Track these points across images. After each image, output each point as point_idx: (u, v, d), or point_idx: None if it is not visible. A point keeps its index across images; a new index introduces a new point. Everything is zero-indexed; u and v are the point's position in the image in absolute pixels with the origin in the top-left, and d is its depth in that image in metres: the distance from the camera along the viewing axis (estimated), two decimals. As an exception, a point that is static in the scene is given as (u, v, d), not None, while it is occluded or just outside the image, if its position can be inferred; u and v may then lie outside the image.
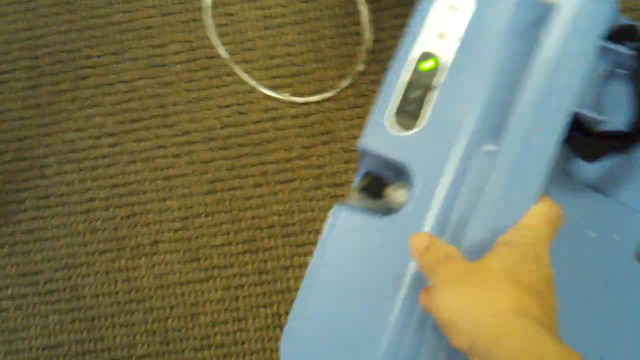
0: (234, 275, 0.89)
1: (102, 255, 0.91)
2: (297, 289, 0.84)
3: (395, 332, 0.43)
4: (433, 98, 0.46)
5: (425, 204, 0.44)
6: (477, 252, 0.39)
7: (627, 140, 0.46)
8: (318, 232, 0.89)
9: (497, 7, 0.46)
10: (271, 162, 0.92)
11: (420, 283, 0.43)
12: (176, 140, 0.93)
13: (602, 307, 0.48)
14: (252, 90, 0.94)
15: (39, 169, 0.94)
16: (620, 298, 0.48)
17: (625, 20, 0.48)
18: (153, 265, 0.90)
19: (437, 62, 0.47)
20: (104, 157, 0.94)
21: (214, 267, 0.90)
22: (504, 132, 0.43)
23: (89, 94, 0.95)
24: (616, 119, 0.48)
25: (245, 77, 0.94)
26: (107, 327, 0.89)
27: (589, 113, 0.44)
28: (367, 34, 0.94)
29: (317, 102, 0.93)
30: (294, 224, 0.90)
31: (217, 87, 0.94)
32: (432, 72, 0.46)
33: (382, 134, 0.46)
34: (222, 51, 0.94)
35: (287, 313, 0.82)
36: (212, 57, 0.95)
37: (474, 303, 0.35)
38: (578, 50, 0.43)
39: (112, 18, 0.97)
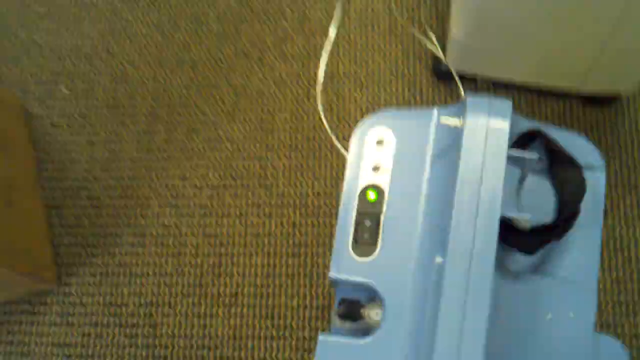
0: (304, 338, 1.03)
1: (185, 299, 1.07)
2: None
3: None
4: (381, 225, 0.58)
5: (397, 321, 0.55)
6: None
7: (558, 230, 0.57)
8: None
9: (416, 137, 0.60)
10: (356, 236, 1.07)
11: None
12: (271, 202, 1.10)
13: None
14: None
15: (140, 208, 1.13)
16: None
17: (529, 124, 0.60)
18: (230, 316, 1.06)
19: (376, 194, 0.59)
20: (202, 207, 1.11)
21: (286, 327, 1.04)
22: (447, 245, 0.53)
23: (199, 147, 1.14)
24: (541, 212, 0.59)
25: (344, 153, 1.11)
26: (178, 367, 1.04)
27: (515, 215, 0.55)
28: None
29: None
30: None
31: (316, 158, 1.12)
32: (377, 201, 0.59)
33: (347, 263, 0.58)
34: (326, 125, 1.12)
35: None
36: (317, 130, 1.13)
37: None
38: (494, 163, 0.54)
39: (230, 81, 1.17)
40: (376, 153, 0.61)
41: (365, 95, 1.11)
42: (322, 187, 1.08)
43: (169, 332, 1.04)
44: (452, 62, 1.05)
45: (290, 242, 1.06)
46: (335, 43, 1.14)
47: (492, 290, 0.51)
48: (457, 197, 0.54)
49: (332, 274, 0.58)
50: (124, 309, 1.06)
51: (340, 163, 1.08)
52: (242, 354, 1.02)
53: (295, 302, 1.03)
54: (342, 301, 0.59)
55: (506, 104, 0.57)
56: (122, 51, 1.19)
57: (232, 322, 1.03)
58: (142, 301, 1.06)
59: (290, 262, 1.05)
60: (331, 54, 1.14)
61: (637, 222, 1.02)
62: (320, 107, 1.11)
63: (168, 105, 1.15)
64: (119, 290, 1.07)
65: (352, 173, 0.61)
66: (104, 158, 1.13)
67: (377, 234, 0.59)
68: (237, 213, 1.08)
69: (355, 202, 0.60)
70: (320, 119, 1.11)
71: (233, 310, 1.04)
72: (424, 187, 0.59)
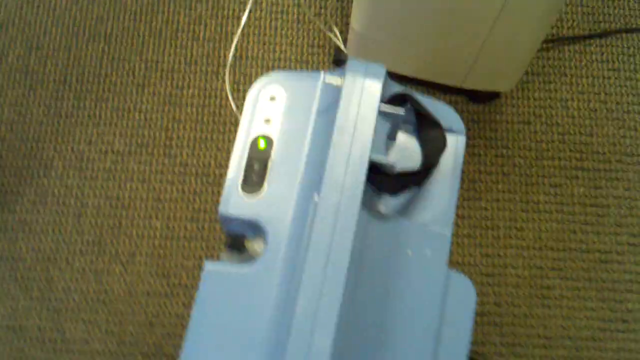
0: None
1: (82, 256, 1.18)
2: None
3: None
4: (268, 169, 0.68)
5: (277, 250, 0.65)
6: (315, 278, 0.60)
7: (420, 176, 0.71)
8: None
9: (304, 95, 0.72)
10: (253, 206, 1.21)
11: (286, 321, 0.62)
12: (174, 170, 1.23)
13: (426, 317, 0.67)
14: (251, 141, 1.25)
15: (44, 168, 1.23)
16: (437, 305, 0.68)
17: (400, 88, 0.74)
18: (127, 274, 1.17)
19: (266, 142, 0.69)
20: (105, 170, 1.23)
21: (181, 286, 1.16)
22: (322, 184, 0.64)
23: (107, 115, 1.26)
24: (409, 163, 0.72)
25: (247, 128, 1.25)
26: (71, 321, 1.14)
27: (382, 160, 0.69)
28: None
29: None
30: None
31: (221, 132, 1.26)
32: (267, 149, 0.69)
33: (236, 201, 0.67)
34: (232, 103, 1.27)
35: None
36: (223, 107, 1.27)
37: None
38: (367, 115, 0.67)
39: (142, 55, 1.31)
40: (268, 107, 0.72)
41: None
42: (224, 159, 1.22)
43: (65, 286, 1.14)
44: (351, 52, 1.22)
45: (190, 207, 1.19)
46: (246, 28, 1.30)
47: (358, 221, 0.62)
48: (333, 141, 0.66)
49: (222, 210, 0.67)
50: (20, 263, 1.15)
51: (243, 138, 1.23)
52: (136, 309, 1.13)
53: (190, 263, 1.15)
54: (228, 234, 0.70)
55: (380, 68, 0.72)
56: (38, 20, 1.30)
57: (127, 279, 1.15)
58: (40, 257, 1.16)
59: (188, 226, 1.18)
60: (241, 38, 1.29)
61: (506, 205, 1.21)
62: (227, 86, 1.26)
63: (79, 74, 1.27)
64: (17, 246, 1.16)
65: (245, 124, 0.72)
66: (10, 120, 1.23)
67: (264, 175, 0.69)
68: (140, 178, 1.20)
69: (246, 149, 0.70)
70: (227, 96, 1.25)
71: (129, 268, 1.15)
72: (308, 137, 0.71)
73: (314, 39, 1.29)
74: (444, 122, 0.74)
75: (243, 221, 0.67)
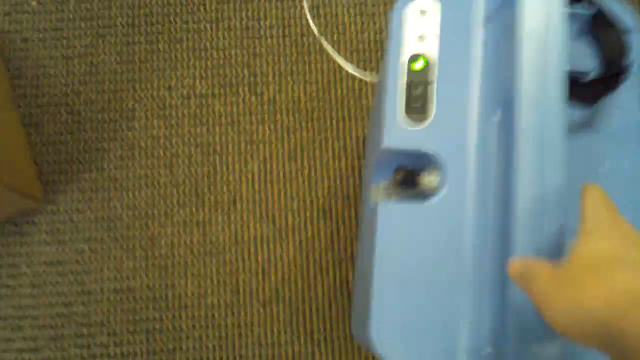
0: (307, 239, 1.10)
1: (181, 209, 1.12)
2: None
3: (475, 308, 0.58)
4: (433, 92, 0.62)
5: (460, 181, 0.59)
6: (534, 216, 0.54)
7: (613, 81, 0.62)
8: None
9: (462, 2, 0.63)
10: (351, 138, 1.14)
11: (482, 252, 0.59)
12: (263, 109, 1.16)
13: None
14: (340, 68, 1.17)
15: (127, 121, 1.16)
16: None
17: None
18: (230, 222, 1.12)
19: (426, 61, 0.62)
20: (191, 116, 1.16)
21: (289, 228, 1.11)
22: (513, 102, 0.56)
23: (184, 56, 1.18)
24: (588, 69, 0.65)
25: (335, 56, 1.17)
26: (181, 276, 1.10)
27: (579, 69, 0.61)
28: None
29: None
30: (370, 196, 1.11)
31: (307, 63, 1.17)
32: (425, 70, 0.62)
33: (402, 132, 0.61)
34: (315, 30, 1.18)
35: (353, 279, 1.03)
36: (305, 35, 1.19)
37: (581, 302, 0.40)
38: (554, 16, 0.57)
39: (212, -11, 1.21)
40: (420, 23, 0.64)
41: (354, -3, 1.17)
42: (314, 91, 1.14)
43: (168, 242, 1.09)
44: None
45: (286, 146, 1.12)
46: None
47: (565, 141, 0.55)
48: (521, 52, 0.56)
49: (386, 144, 0.61)
50: (117, 223, 1.10)
51: (331, 68, 1.14)
52: (246, 257, 1.08)
53: (295, 205, 1.10)
54: (398, 169, 0.63)
55: None
56: (96, -41, 1.21)
57: (232, 227, 1.09)
58: (137, 214, 1.11)
59: (287, 166, 1.11)
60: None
61: None
62: (307, 11, 1.17)
63: (147, 15, 1.18)
64: (111, 205, 1.11)
65: (395, 44, 0.63)
66: (83, 72, 1.16)
67: (428, 100, 0.62)
68: (229, 121, 1.13)
69: (403, 73, 0.63)
70: (308, 23, 1.16)
71: (232, 216, 1.10)
72: (477, 50, 0.62)
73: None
74: (622, 21, 0.64)
75: (410, 153, 0.62)
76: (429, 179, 0.61)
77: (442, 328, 0.57)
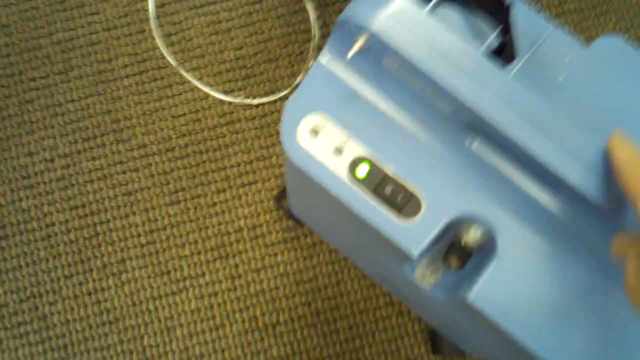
0: (207, 284, 1.05)
1: (68, 280, 1.05)
2: (271, 290, 1.00)
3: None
4: (399, 175, 0.58)
5: (499, 210, 0.57)
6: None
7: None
8: (286, 230, 1.05)
9: (342, 99, 0.59)
10: (232, 166, 1.08)
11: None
12: (133, 154, 1.09)
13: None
14: (206, 96, 1.10)
15: (-9, 199, 1.08)
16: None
17: None
18: (123, 284, 1.05)
19: (367, 162, 0.57)
20: (59, 179, 1.08)
21: (185, 278, 1.05)
22: (476, 117, 0.54)
23: (37, 116, 1.10)
24: None
25: (197, 83, 1.10)
26: (82, 353, 1.04)
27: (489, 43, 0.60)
28: (315, 30, 1.12)
29: (272, 102, 1.10)
30: (261, 225, 1.06)
31: (170, 96, 1.10)
32: (374, 168, 0.57)
33: (416, 234, 0.57)
34: (171, 60, 1.11)
35: (263, 315, 0.98)
36: (162, 67, 1.11)
37: None
38: (421, 26, 0.55)
39: (53, 37, 1.13)
40: (321, 141, 0.59)
41: (202, 17, 1.11)
42: (183, 124, 1.08)
43: (62, 319, 1.03)
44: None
45: (166, 190, 1.06)
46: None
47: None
48: (435, 74, 0.54)
49: (413, 254, 0.57)
50: (4, 310, 1.03)
51: (196, 96, 1.08)
52: (147, 318, 1.02)
53: (187, 251, 1.04)
54: (448, 254, 0.59)
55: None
56: None
57: (126, 289, 1.03)
58: (23, 296, 1.03)
59: (170, 211, 1.05)
60: (155, -18, 1.11)
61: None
62: (159, 42, 1.10)
63: (-11, 80, 1.09)
64: (-8, 293, 1.03)
65: (321, 175, 0.58)
66: None
67: (403, 187, 0.58)
68: (100, 175, 1.06)
69: (354, 191, 0.58)
70: (162, 54, 1.09)
71: (124, 277, 1.03)
72: (389, 108, 0.59)
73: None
74: None
75: (436, 239, 0.58)
76: (472, 236, 0.58)
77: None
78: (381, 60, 0.57)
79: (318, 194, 0.62)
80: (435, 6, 0.60)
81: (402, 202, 0.57)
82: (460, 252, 0.58)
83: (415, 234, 0.57)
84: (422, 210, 0.57)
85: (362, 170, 0.58)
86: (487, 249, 0.58)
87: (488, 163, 0.58)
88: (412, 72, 0.55)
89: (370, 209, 0.57)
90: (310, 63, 1.07)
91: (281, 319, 1.01)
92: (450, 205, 0.57)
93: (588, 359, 0.55)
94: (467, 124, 0.56)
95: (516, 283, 0.56)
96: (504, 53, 0.59)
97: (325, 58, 0.59)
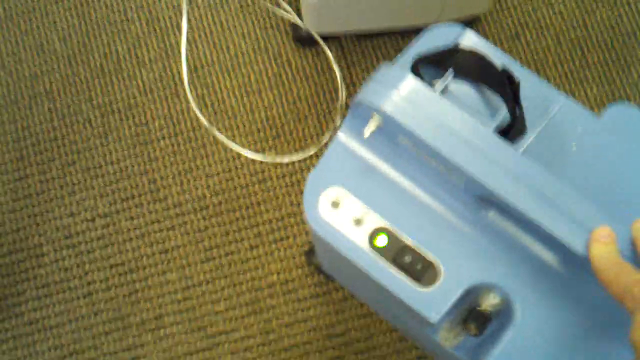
0: (241, 339, 1.09)
1: (108, 336, 1.11)
2: (303, 344, 1.04)
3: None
4: (418, 246, 0.61)
5: (517, 278, 0.60)
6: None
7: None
8: (317, 285, 1.10)
9: (358, 172, 0.64)
10: (264, 223, 1.13)
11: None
12: (169, 214, 1.15)
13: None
14: (237, 155, 1.16)
15: (35, 258, 1.14)
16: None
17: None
18: (160, 339, 1.10)
19: (385, 233, 0.62)
20: (99, 238, 1.15)
21: (220, 333, 1.10)
22: (487, 189, 0.57)
23: (78, 178, 1.17)
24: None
25: (230, 143, 1.16)
26: (121, 407, 1.08)
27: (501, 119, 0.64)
28: (341, 89, 1.18)
29: (301, 160, 1.15)
30: (293, 280, 1.10)
31: (204, 156, 1.16)
32: (393, 239, 0.61)
33: (433, 302, 0.60)
34: (204, 121, 1.17)
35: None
36: (196, 129, 1.18)
37: None
38: (439, 106, 0.60)
39: (93, 102, 1.20)
40: (341, 213, 0.63)
41: (234, 79, 1.17)
42: (217, 183, 1.13)
43: (102, 374, 1.08)
44: (311, 25, 1.12)
45: (201, 247, 1.11)
46: (190, 35, 1.19)
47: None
48: (442, 149, 0.57)
49: (433, 320, 0.60)
50: (47, 366, 1.09)
51: (229, 156, 1.14)
52: (183, 373, 1.07)
53: (222, 306, 1.09)
54: (467, 320, 0.62)
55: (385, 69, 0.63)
56: (-32, 101, 1.19)
57: (164, 344, 1.08)
58: (66, 352, 1.09)
59: (205, 267, 1.10)
60: (189, 47, 1.18)
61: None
62: (193, 104, 1.16)
63: (34, 144, 1.17)
64: (37, 349, 1.09)
65: (342, 244, 0.62)
66: (-19, 218, 1.14)
67: (421, 257, 0.61)
68: (138, 234, 1.12)
69: (374, 261, 0.62)
70: (196, 116, 1.16)
71: (161, 332, 1.08)
72: (411, 187, 0.63)
73: (265, 21, 1.19)
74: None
75: (456, 302, 0.61)
76: (491, 303, 0.61)
77: None
78: (396, 138, 0.61)
79: (341, 259, 0.66)
80: (446, 84, 0.65)
81: (421, 270, 0.61)
82: (479, 318, 0.61)
83: (434, 301, 0.60)
84: (440, 278, 0.61)
85: (382, 240, 0.62)
86: (505, 314, 0.62)
87: (502, 232, 0.62)
88: (426, 149, 0.59)
89: (390, 277, 0.61)
90: (338, 121, 1.13)
91: (314, 373, 1.05)
92: (468, 273, 0.61)
93: None
94: (481, 197, 0.60)
95: (534, 348, 0.59)
96: (515, 128, 0.62)
97: (343, 134, 0.65)
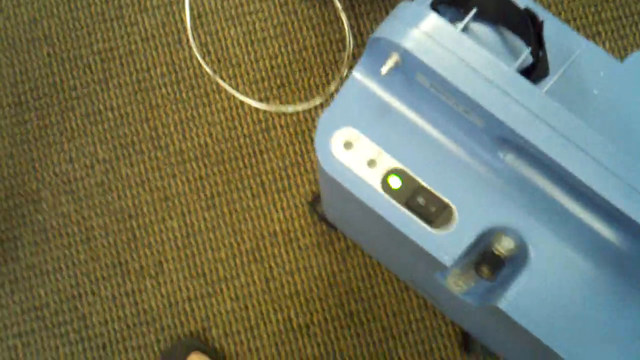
0: (242, 286, 1.15)
1: (107, 282, 1.16)
2: (305, 292, 1.09)
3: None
4: (431, 188, 0.63)
5: (530, 220, 0.62)
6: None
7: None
8: (319, 234, 1.15)
9: (373, 111, 0.65)
10: (267, 173, 1.19)
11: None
12: (171, 161, 1.20)
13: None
14: (241, 104, 1.21)
15: (33, 203, 1.20)
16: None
17: None
18: (160, 285, 1.16)
19: (399, 175, 0.63)
20: (98, 184, 1.20)
21: (220, 280, 1.15)
22: (509, 129, 0.58)
23: (78, 124, 1.22)
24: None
25: (233, 92, 1.21)
26: (120, 351, 1.14)
27: (524, 59, 0.64)
28: (349, 39, 1.23)
29: (306, 110, 1.20)
30: (295, 229, 1.16)
31: (206, 105, 1.22)
32: (407, 179, 0.62)
33: (448, 244, 0.62)
34: (207, 69, 1.22)
35: (297, 316, 1.08)
36: (199, 77, 1.23)
37: None
38: (459, 42, 0.60)
39: (93, 47, 1.25)
40: (356, 153, 0.65)
41: (238, 28, 1.22)
42: (219, 132, 1.18)
43: (100, 319, 1.13)
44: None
45: (202, 195, 1.16)
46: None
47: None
48: (466, 89, 0.59)
49: (447, 263, 0.62)
50: (45, 310, 1.14)
51: (232, 105, 1.19)
52: (183, 319, 1.12)
53: (222, 254, 1.14)
54: (480, 264, 0.63)
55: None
56: (-34, 42, 1.24)
57: (163, 290, 1.13)
58: (63, 297, 1.14)
59: (207, 215, 1.16)
60: (193, -6, 1.23)
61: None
62: (196, 52, 1.21)
63: (33, 88, 1.21)
64: (34, 293, 1.14)
65: (353, 186, 0.64)
66: (-22, 161, 1.19)
67: (436, 198, 0.63)
68: (139, 181, 1.17)
69: (387, 202, 0.63)
70: (199, 63, 1.21)
71: (161, 279, 1.14)
72: (425, 125, 0.64)
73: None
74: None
75: (471, 247, 0.63)
76: (505, 247, 0.63)
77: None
78: (414, 76, 0.63)
79: (351, 203, 0.68)
80: (467, 23, 0.66)
81: (435, 212, 0.62)
82: (493, 261, 0.63)
83: (448, 244, 0.62)
84: (455, 221, 0.63)
85: (395, 182, 0.64)
86: (519, 259, 0.64)
87: (521, 175, 0.63)
88: (445, 87, 0.60)
89: (404, 219, 0.63)
90: (344, 72, 1.18)
91: (315, 320, 1.11)
92: (483, 216, 0.63)
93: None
94: (500, 138, 0.62)
95: (547, 293, 0.61)
96: (537, 69, 0.64)
97: (359, 73, 0.66)
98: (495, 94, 0.57)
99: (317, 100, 1.18)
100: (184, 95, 1.20)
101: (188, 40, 1.21)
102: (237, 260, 1.14)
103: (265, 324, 1.11)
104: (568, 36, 0.66)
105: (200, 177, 1.17)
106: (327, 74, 1.20)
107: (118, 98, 1.21)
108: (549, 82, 0.64)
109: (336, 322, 1.11)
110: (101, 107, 1.21)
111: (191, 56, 1.21)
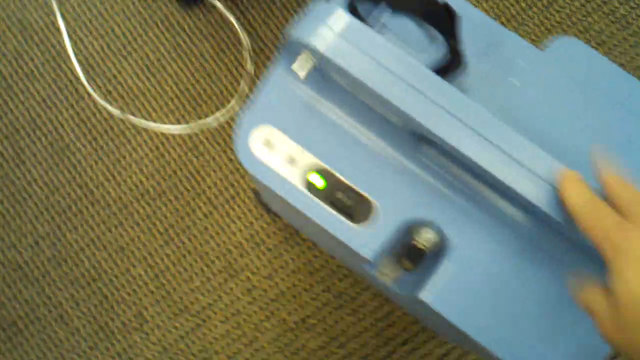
0: (227, 305, 1.18)
1: (95, 351, 1.17)
2: (289, 289, 1.13)
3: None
4: (350, 184, 0.65)
5: (452, 213, 0.64)
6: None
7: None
8: (281, 229, 1.18)
9: (292, 109, 0.65)
10: (209, 188, 1.21)
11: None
12: (112, 211, 1.21)
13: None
14: (160, 132, 1.23)
15: (-9, 301, 1.19)
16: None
17: None
18: (147, 335, 1.17)
19: (319, 174, 0.64)
20: (50, 259, 1.19)
21: (204, 308, 1.18)
22: (422, 127, 0.58)
23: (7, 207, 1.21)
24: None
25: (147, 124, 1.23)
26: None
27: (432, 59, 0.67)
28: (243, 36, 1.25)
29: (225, 116, 1.23)
30: (257, 232, 1.19)
31: (126, 143, 1.22)
32: (328, 178, 0.64)
33: (365, 238, 0.64)
34: (112, 110, 1.23)
35: (290, 314, 1.11)
36: (108, 120, 1.23)
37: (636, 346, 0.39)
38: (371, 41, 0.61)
39: (-6, 128, 1.24)
40: (275, 152, 0.66)
41: (129, 58, 1.23)
42: (149, 166, 1.20)
43: None
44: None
45: (155, 233, 1.19)
46: (71, 31, 1.24)
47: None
48: (379, 87, 0.60)
49: (368, 257, 0.64)
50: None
51: (151, 134, 1.20)
52: (182, 358, 1.14)
53: (197, 282, 1.17)
54: (402, 255, 0.66)
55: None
56: None
57: (153, 338, 1.16)
58: None
59: (167, 251, 1.18)
60: (73, 43, 1.23)
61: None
62: (96, 97, 1.22)
63: None
64: (26, 388, 1.15)
65: (275, 183, 0.66)
66: None
67: (356, 196, 0.65)
68: (88, 242, 1.18)
69: (309, 201, 0.65)
70: (104, 108, 1.21)
71: (146, 328, 1.16)
72: (344, 121, 0.66)
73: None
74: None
75: (393, 238, 0.66)
76: (424, 238, 0.66)
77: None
78: (330, 75, 0.65)
79: (279, 199, 0.70)
80: (380, 19, 0.67)
81: (355, 207, 0.65)
82: (413, 254, 0.66)
83: (369, 239, 0.65)
84: (374, 215, 0.65)
85: (317, 179, 0.66)
86: (440, 250, 0.67)
87: (439, 170, 0.66)
88: (361, 87, 0.62)
89: (326, 215, 0.66)
90: (251, 68, 1.20)
91: (308, 312, 1.15)
92: (402, 210, 0.65)
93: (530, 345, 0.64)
94: (416, 133, 0.64)
95: (467, 284, 0.64)
96: (453, 63, 0.66)
97: (275, 71, 0.67)
98: (406, 92, 0.59)
99: (232, 102, 1.21)
100: (100, 142, 1.21)
101: (85, 89, 1.22)
102: (213, 283, 1.16)
103: (262, 334, 1.15)
104: (488, 27, 0.69)
105: (148, 216, 1.19)
106: (233, 75, 1.23)
107: (36, 168, 1.21)
108: (467, 77, 0.67)
109: (329, 307, 1.16)
110: (24, 183, 1.21)
111: (94, 102, 1.22)
